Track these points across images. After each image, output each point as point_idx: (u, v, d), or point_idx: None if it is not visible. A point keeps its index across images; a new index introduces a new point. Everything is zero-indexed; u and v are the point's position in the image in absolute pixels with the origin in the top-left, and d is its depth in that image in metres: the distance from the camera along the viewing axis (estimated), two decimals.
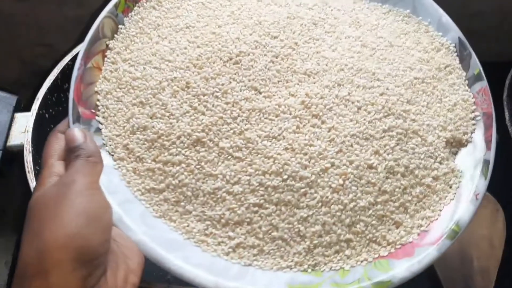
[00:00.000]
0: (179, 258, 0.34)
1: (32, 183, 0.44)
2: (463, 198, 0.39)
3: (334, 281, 0.35)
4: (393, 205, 0.38)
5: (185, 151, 0.37)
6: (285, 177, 0.37)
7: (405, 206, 0.38)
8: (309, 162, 0.37)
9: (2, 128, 0.45)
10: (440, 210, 0.39)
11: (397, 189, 0.38)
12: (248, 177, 0.36)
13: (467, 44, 0.46)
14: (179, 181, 0.36)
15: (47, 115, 0.50)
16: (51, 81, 0.49)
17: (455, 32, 0.47)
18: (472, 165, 0.41)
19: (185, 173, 0.36)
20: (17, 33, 0.64)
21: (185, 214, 0.36)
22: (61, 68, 0.51)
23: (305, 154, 0.38)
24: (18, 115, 0.47)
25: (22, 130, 0.46)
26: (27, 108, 0.48)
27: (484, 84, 0.44)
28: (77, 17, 0.60)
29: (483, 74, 0.45)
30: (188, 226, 0.36)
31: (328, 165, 0.37)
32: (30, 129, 0.46)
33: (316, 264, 0.36)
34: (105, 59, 0.41)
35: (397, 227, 0.38)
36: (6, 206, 0.62)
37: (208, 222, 0.36)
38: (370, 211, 0.37)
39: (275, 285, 0.34)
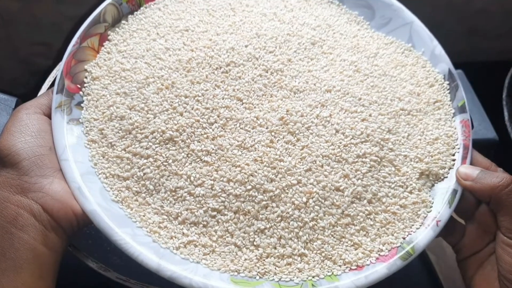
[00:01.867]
0: (127, 234, 0.34)
1: None
2: (425, 223, 0.39)
3: (276, 281, 0.35)
4: (354, 228, 0.38)
5: (156, 147, 0.38)
6: (249, 187, 0.37)
7: (367, 230, 0.38)
8: (275, 176, 0.38)
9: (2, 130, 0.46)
10: (404, 238, 0.38)
11: (360, 213, 0.38)
12: (212, 182, 0.37)
13: (456, 76, 0.46)
14: (144, 173, 0.37)
15: None
16: (51, 82, 0.49)
17: (446, 64, 0.46)
18: (441, 192, 0.40)
19: (151, 167, 0.37)
20: (15, 32, 0.65)
21: (143, 205, 0.37)
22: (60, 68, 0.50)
23: (273, 168, 0.38)
24: None
25: None
26: None
27: (466, 116, 0.44)
28: (75, 15, 0.61)
29: (466, 107, 0.44)
30: (144, 216, 0.36)
31: (295, 181, 0.38)
32: None
33: (265, 273, 0.35)
34: (102, 48, 0.42)
35: (356, 249, 0.37)
36: None
37: (164, 217, 0.36)
38: (329, 231, 0.37)
39: (216, 276, 0.34)
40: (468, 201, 0.40)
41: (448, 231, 0.41)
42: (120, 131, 0.38)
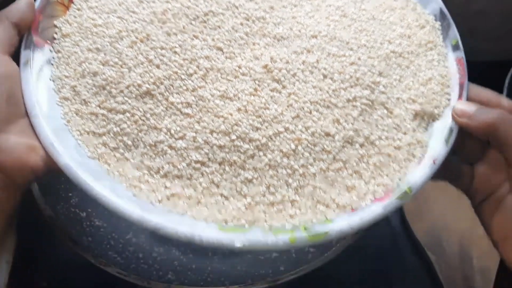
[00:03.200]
0: (106, 187, 0.32)
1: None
2: (421, 162, 0.37)
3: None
4: (346, 172, 0.35)
5: (132, 101, 0.35)
6: (234, 137, 0.35)
7: (360, 174, 0.36)
8: (261, 125, 0.35)
9: None
10: (399, 179, 0.36)
11: (353, 157, 0.36)
12: (194, 134, 0.35)
13: (447, 15, 0.43)
14: (121, 129, 0.35)
15: None
16: None
17: (437, 3, 0.44)
18: (437, 131, 0.38)
19: (128, 122, 0.35)
20: None
21: (122, 160, 0.35)
22: None
23: (259, 116, 0.36)
24: None
25: None
26: None
27: (460, 54, 0.42)
28: None
29: (460, 44, 0.42)
30: (123, 171, 0.34)
31: (282, 129, 0.35)
32: None
33: (255, 220, 0.33)
34: (72, 5, 0.40)
35: (349, 192, 0.35)
36: None
37: (145, 171, 0.34)
38: (321, 177, 0.35)
39: (203, 225, 0.32)
40: (474, 142, 0.38)
41: (456, 175, 0.39)
42: (93, 88, 0.36)
